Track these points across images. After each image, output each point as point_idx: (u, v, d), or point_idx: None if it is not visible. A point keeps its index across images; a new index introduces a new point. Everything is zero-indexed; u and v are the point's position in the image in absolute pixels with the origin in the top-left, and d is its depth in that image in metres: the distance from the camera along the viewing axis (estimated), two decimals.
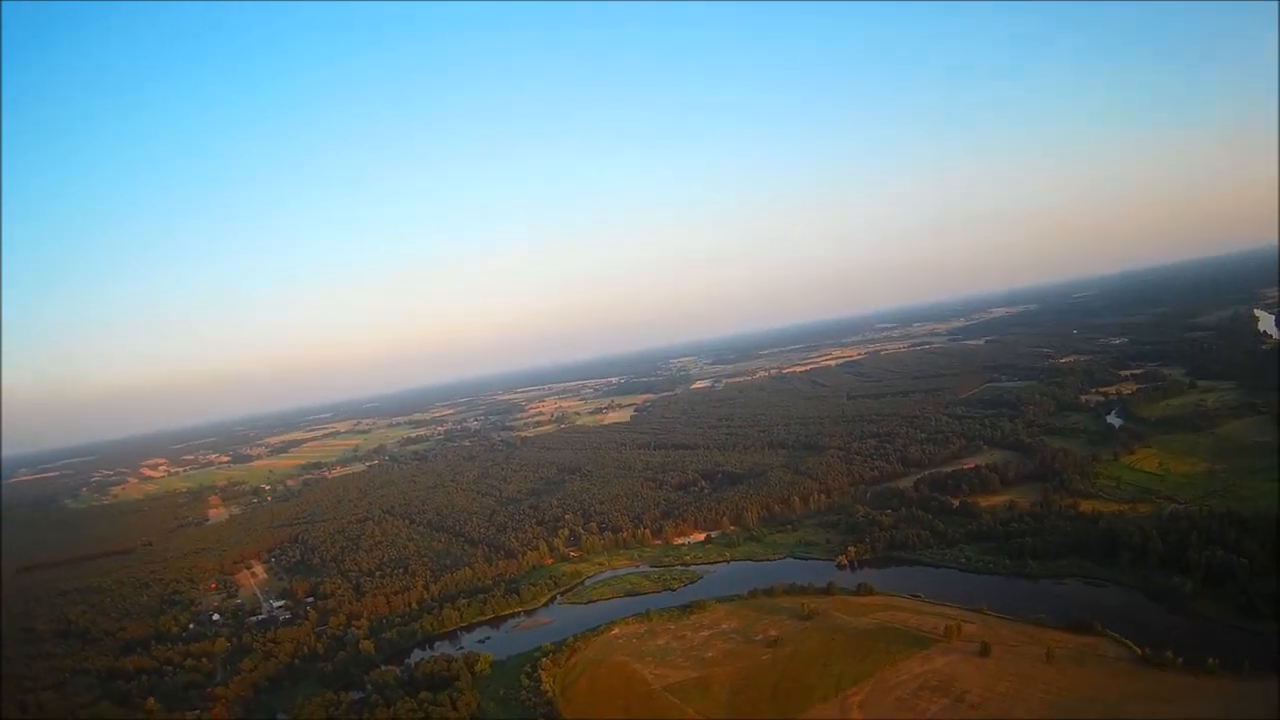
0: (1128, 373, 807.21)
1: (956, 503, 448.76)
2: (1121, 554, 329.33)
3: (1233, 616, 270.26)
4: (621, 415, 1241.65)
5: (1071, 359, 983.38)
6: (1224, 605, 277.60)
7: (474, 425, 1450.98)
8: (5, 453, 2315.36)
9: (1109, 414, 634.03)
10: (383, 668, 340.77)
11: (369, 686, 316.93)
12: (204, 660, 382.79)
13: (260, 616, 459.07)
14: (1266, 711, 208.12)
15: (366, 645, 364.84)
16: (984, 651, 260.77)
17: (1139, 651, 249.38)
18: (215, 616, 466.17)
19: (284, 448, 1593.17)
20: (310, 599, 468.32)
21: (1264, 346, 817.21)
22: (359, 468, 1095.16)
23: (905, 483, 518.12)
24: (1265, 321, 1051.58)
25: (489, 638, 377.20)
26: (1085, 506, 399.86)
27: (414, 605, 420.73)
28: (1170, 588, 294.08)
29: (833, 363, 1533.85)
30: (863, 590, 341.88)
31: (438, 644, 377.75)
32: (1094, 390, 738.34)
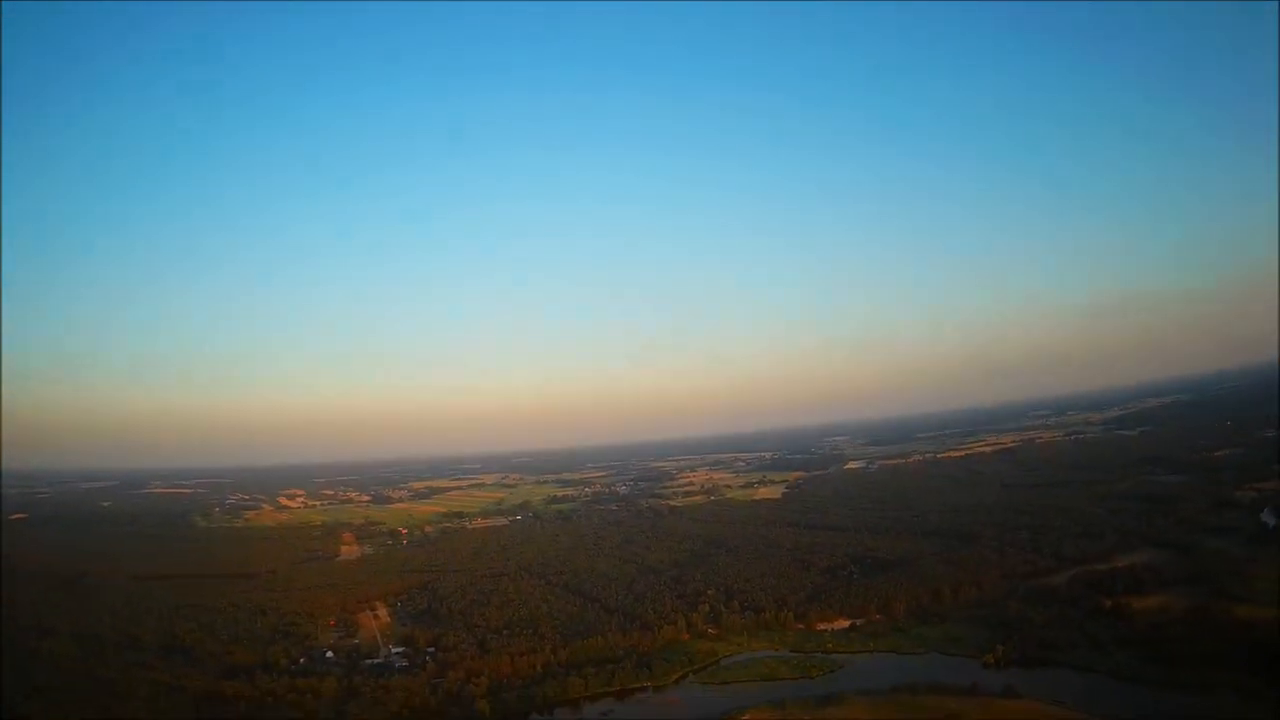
0: None
1: (1109, 603, 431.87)
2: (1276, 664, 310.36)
3: None
4: (772, 491, 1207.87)
5: (1225, 452, 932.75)
6: None
7: (622, 490, 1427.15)
8: (142, 464, 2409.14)
9: (1263, 511, 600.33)
10: None
11: None
12: (308, 697, 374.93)
13: (376, 661, 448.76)
14: None
15: (482, 705, 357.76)
16: None
17: None
18: (329, 654, 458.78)
19: (427, 494, 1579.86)
20: (431, 649, 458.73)
21: None
22: (501, 521, 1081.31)
23: (1058, 579, 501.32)
24: None
25: (612, 711, 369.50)
26: (1239, 611, 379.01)
27: (538, 669, 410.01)
28: None
29: (988, 449, 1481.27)
30: (1008, 694, 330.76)
31: (558, 711, 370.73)
32: (1249, 485, 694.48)
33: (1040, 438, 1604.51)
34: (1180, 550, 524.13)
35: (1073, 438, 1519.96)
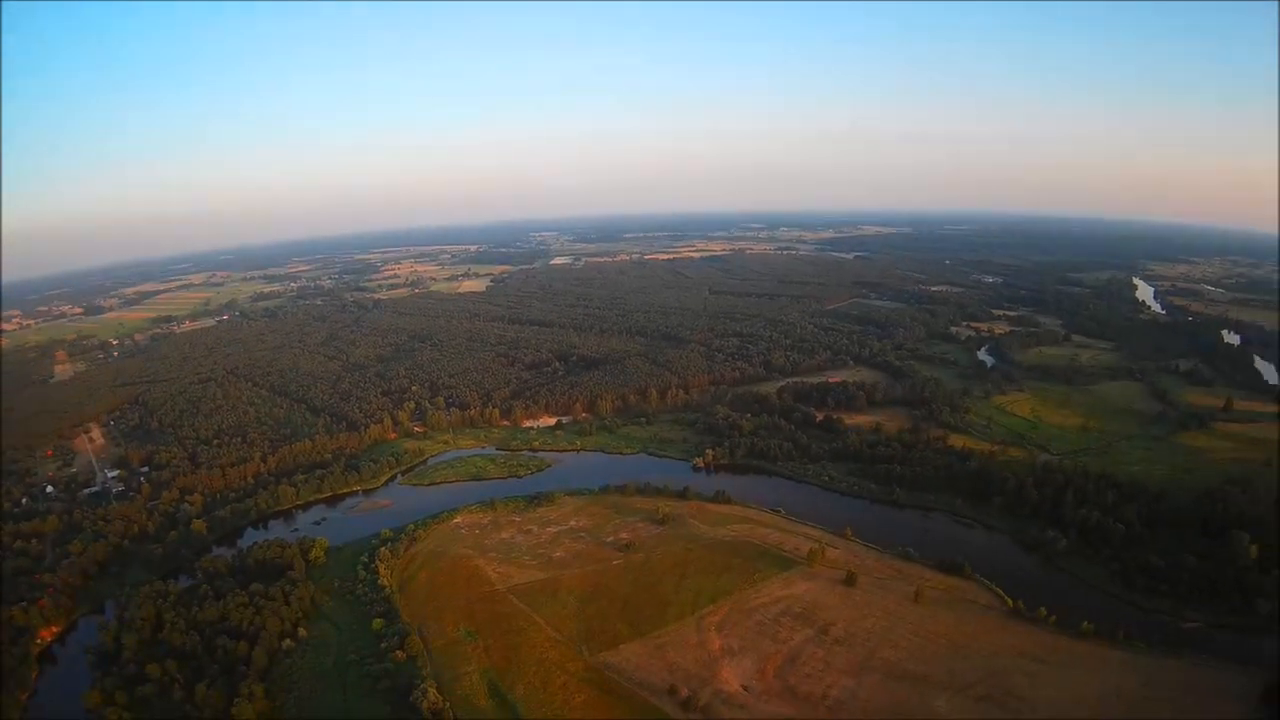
0: (1001, 313, 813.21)
1: (821, 416, 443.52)
2: (993, 497, 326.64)
3: (1106, 581, 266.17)
4: (477, 285, 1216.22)
5: (944, 289, 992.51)
6: (1097, 568, 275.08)
7: (327, 284, 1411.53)
8: None
9: (980, 350, 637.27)
10: (214, 551, 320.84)
11: (199, 574, 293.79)
12: (34, 542, 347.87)
13: (94, 489, 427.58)
14: (1138, 682, 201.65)
15: (199, 525, 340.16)
16: (849, 581, 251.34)
17: (1010, 603, 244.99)
18: (49, 489, 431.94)
19: (137, 299, 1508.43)
20: (145, 469, 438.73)
21: (1142, 315, 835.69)
22: (209, 323, 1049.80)
23: (768, 388, 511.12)
24: (1144, 292, 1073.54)
25: (325, 519, 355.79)
26: (955, 441, 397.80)
27: (250, 480, 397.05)
28: (1043, 540, 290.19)
29: (696, 255, 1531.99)
30: (720, 498, 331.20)
31: (272, 524, 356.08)
32: (965, 324, 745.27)
33: (751, 249, 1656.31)
34: (894, 374, 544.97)
35: (784, 252, 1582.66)
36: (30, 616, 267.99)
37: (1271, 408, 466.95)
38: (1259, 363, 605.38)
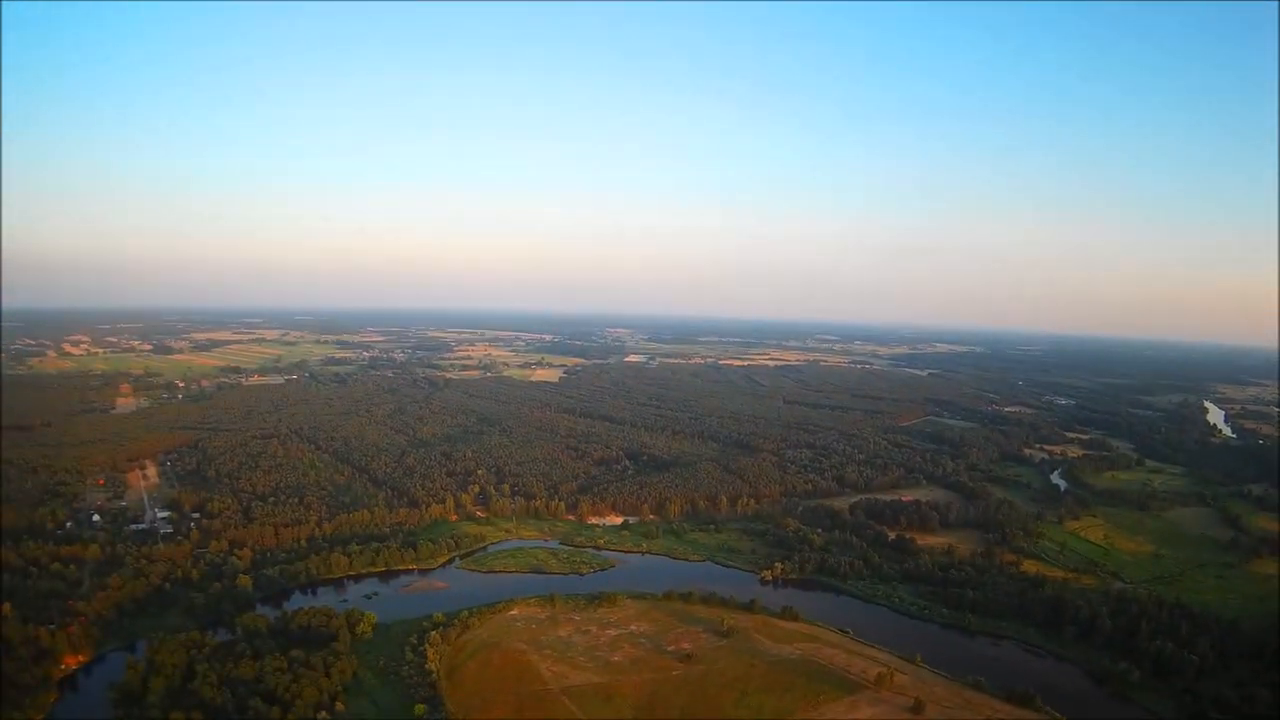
0: (1073, 435, 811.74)
1: (893, 535, 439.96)
2: (1065, 626, 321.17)
3: (1177, 714, 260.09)
4: (550, 374, 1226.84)
5: (1016, 409, 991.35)
6: (1169, 701, 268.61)
7: (400, 357, 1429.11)
8: None
9: (1053, 473, 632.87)
10: (258, 609, 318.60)
11: (239, 630, 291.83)
12: (72, 567, 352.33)
13: (141, 526, 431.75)
14: None
15: (245, 580, 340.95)
16: (916, 709, 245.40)
17: None
18: (95, 517, 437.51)
19: (208, 345, 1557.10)
20: (196, 514, 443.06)
21: (1214, 439, 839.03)
22: (277, 380, 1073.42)
23: (840, 502, 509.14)
24: (1215, 415, 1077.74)
25: (377, 594, 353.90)
26: (1028, 567, 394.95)
27: (303, 542, 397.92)
28: (1115, 672, 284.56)
29: (770, 363, 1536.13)
30: (787, 614, 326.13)
31: (321, 590, 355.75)
32: (1038, 445, 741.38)
33: (825, 360, 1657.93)
34: (967, 495, 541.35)
35: (858, 366, 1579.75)
36: (56, 640, 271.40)
37: None
38: None
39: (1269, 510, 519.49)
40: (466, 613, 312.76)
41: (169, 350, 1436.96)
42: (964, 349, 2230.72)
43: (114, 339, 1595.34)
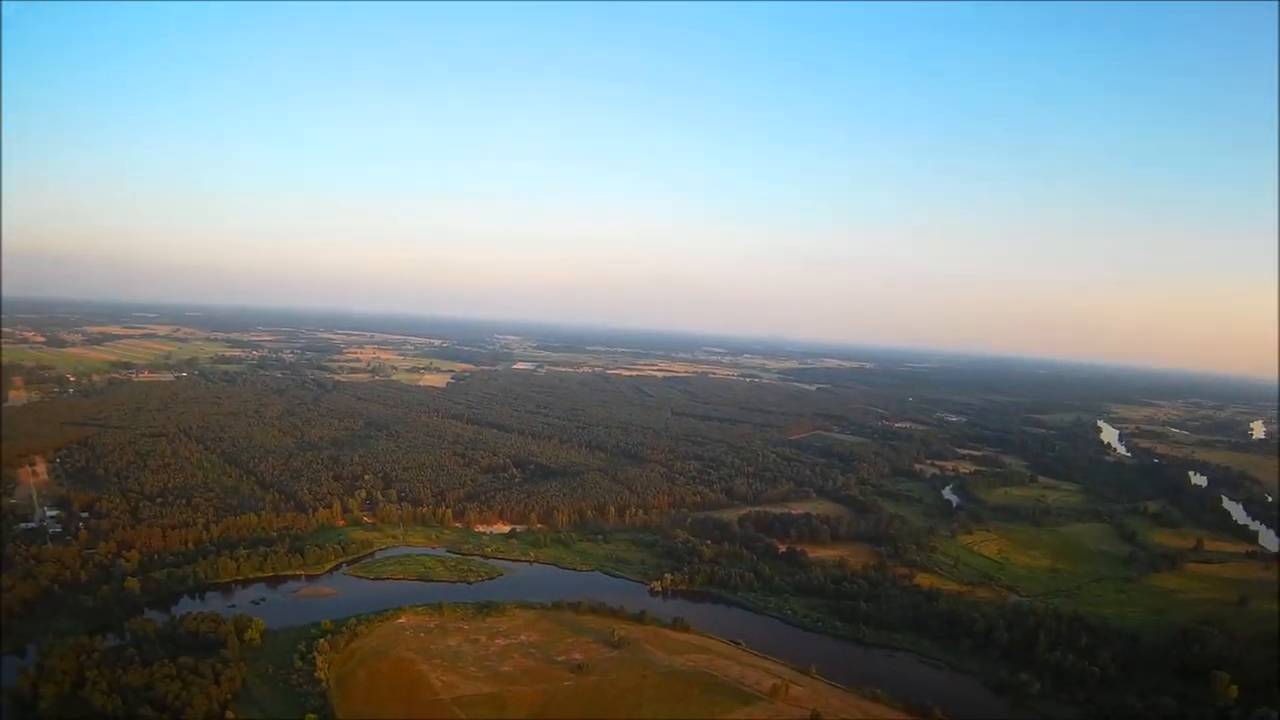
0: (965, 451, 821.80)
1: (784, 548, 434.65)
2: (962, 639, 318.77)
3: None
4: (439, 379, 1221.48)
5: (907, 425, 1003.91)
6: (1071, 710, 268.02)
7: (289, 358, 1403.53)
8: None
9: (945, 488, 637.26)
10: (146, 613, 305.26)
11: (128, 634, 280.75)
12: None
13: (31, 524, 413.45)
14: None
15: (133, 583, 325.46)
16: None
17: None
18: None
19: (100, 339, 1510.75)
20: (85, 514, 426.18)
21: (1108, 457, 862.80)
22: (168, 376, 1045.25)
23: (729, 514, 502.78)
24: (1109, 434, 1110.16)
25: (264, 600, 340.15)
26: (922, 580, 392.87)
27: (190, 545, 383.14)
28: (1014, 683, 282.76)
29: (658, 374, 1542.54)
30: (678, 625, 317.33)
31: (209, 594, 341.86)
32: (930, 461, 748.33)
33: (714, 373, 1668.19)
34: (857, 509, 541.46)
35: (747, 379, 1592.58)
36: None
37: (1241, 547, 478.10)
38: (1226, 503, 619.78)
39: (1165, 526, 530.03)
40: (355, 620, 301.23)
41: (62, 343, 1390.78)
42: (853, 365, 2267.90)
43: (10, 330, 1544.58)
